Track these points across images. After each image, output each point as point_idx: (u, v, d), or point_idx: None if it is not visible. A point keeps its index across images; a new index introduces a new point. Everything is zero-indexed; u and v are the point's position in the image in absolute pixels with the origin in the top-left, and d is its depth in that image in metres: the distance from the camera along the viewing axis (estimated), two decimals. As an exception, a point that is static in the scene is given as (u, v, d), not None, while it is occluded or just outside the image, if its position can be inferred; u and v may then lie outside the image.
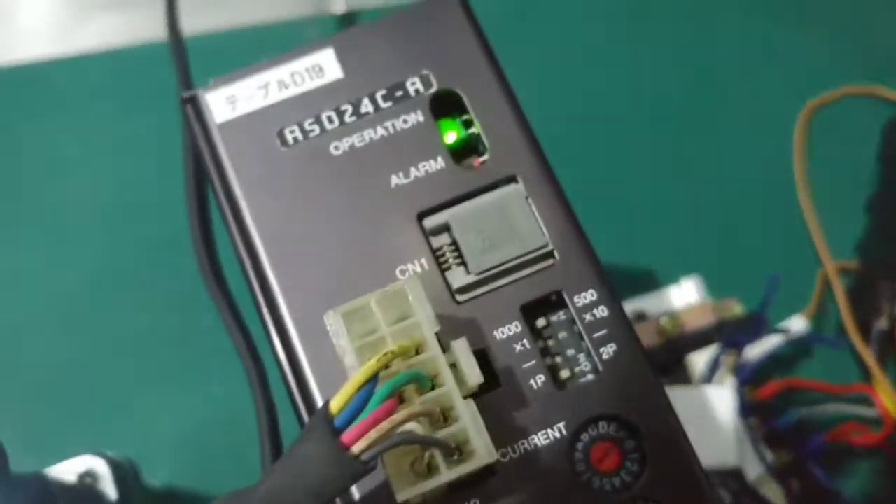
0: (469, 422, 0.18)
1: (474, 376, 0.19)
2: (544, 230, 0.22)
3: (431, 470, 0.18)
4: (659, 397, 0.21)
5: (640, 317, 0.41)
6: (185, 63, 0.29)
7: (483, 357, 0.21)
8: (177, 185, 0.29)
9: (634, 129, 0.50)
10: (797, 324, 0.41)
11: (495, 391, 0.21)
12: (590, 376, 0.22)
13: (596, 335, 0.22)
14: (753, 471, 0.37)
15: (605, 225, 0.46)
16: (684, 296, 0.42)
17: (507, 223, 0.22)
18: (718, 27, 0.53)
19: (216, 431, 0.39)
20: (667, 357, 0.39)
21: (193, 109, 0.24)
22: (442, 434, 0.18)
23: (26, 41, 0.50)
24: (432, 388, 0.19)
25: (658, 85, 0.51)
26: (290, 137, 0.23)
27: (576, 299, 0.22)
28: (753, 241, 0.47)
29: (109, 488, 0.29)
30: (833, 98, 0.50)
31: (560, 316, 0.22)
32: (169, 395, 0.40)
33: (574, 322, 0.22)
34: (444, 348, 0.20)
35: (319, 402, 0.21)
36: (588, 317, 0.22)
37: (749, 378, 0.38)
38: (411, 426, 0.17)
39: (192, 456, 0.37)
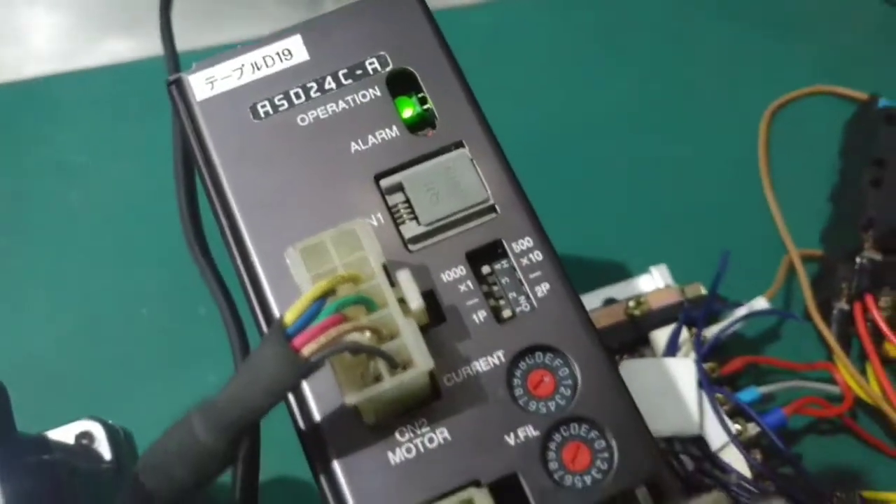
0: (409, 336, 0.21)
1: (416, 300, 0.21)
2: (487, 187, 0.25)
3: (377, 381, 0.21)
4: (587, 329, 0.24)
5: (610, 301, 0.44)
6: (176, 62, 0.32)
7: (431, 297, 0.24)
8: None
9: (607, 131, 0.53)
10: (759, 303, 0.43)
11: (441, 325, 0.24)
12: (526, 311, 0.24)
13: (531, 276, 0.24)
14: (717, 441, 0.39)
15: (578, 220, 0.49)
16: (653, 282, 0.44)
17: (454, 181, 0.25)
18: (688, 32, 0.56)
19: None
20: (632, 333, 0.41)
21: (177, 90, 0.27)
22: (385, 348, 0.21)
23: (37, 61, 0.54)
24: (379, 315, 0.21)
25: (629, 87, 0.54)
26: (261, 112, 0.26)
27: (514, 245, 0.25)
28: (720, 232, 0.49)
29: (105, 449, 0.32)
30: (798, 97, 0.53)
31: (503, 264, 0.25)
32: (165, 381, 0.43)
33: (513, 266, 0.25)
34: (392, 284, 0.22)
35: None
36: (525, 260, 0.24)
37: (709, 352, 0.40)
38: (357, 337, 0.20)
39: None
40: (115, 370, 0.44)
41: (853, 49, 0.55)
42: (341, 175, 0.25)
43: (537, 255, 0.24)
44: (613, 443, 0.23)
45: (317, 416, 0.23)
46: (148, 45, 0.53)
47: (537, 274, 0.24)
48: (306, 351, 0.19)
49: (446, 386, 0.23)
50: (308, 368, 0.19)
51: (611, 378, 0.23)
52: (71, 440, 0.32)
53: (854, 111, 0.52)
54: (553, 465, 0.23)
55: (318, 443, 0.23)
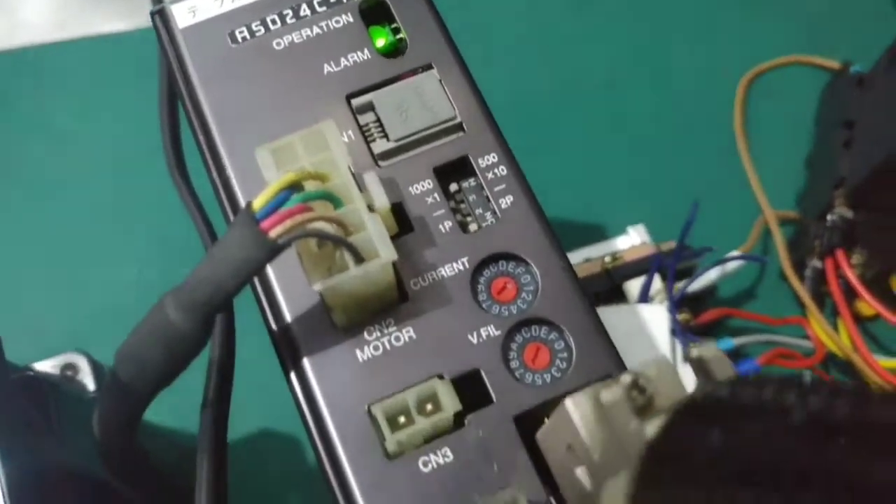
0: (373, 229, 0.22)
1: (380, 197, 0.22)
2: (454, 106, 0.26)
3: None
4: (549, 237, 0.25)
5: (588, 260, 0.45)
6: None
7: (399, 208, 0.25)
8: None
9: (588, 95, 0.54)
10: (731, 255, 0.44)
11: (408, 235, 0.25)
12: (491, 223, 0.25)
13: (496, 189, 0.25)
14: (689, 388, 0.40)
15: (556, 183, 0.50)
16: (630, 241, 0.45)
17: (423, 101, 0.26)
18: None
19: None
20: (607, 284, 0.42)
21: (161, 19, 0.28)
22: (351, 240, 0.22)
23: (28, 30, 0.55)
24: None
25: (608, 52, 0.55)
26: (239, 37, 0.27)
27: (480, 161, 0.26)
28: (697, 195, 0.50)
29: (89, 380, 0.33)
30: (775, 66, 0.54)
31: (469, 183, 0.26)
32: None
33: (479, 183, 0.26)
34: (360, 189, 0.23)
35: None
36: (490, 175, 0.25)
37: (682, 300, 0.41)
38: (323, 226, 0.21)
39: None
40: (103, 317, 0.45)
41: (830, 18, 0.56)
42: (314, 94, 0.26)
43: (502, 170, 0.25)
44: (572, 343, 0.24)
45: (288, 318, 0.24)
46: (138, 19, 0.54)
47: (501, 187, 0.25)
48: (273, 233, 0.20)
49: (413, 289, 0.24)
50: (275, 249, 0.20)
51: (570, 283, 0.24)
52: (56, 372, 0.33)
53: (830, 80, 0.53)
54: (514, 364, 0.24)
55: (289, 343, 0.24)
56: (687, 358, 0.39)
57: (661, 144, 0.52)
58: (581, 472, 0.19)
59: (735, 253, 0.44)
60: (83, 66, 0.54)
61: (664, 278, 0.42)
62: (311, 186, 0.22)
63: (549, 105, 0.54)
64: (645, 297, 0.41)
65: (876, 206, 0.44)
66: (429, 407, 0.22)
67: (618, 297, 0.43)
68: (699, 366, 0.19)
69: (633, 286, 0.42)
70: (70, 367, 0.33)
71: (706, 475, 0.14)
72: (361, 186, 0.23)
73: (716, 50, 0.55)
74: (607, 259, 0.43)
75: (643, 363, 0.18)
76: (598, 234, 0.49)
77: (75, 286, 0.46)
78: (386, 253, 0.21)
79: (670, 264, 0.41)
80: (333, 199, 0.22)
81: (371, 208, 0.23)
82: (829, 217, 0.45)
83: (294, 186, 0.21)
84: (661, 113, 0.53)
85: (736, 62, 0.54)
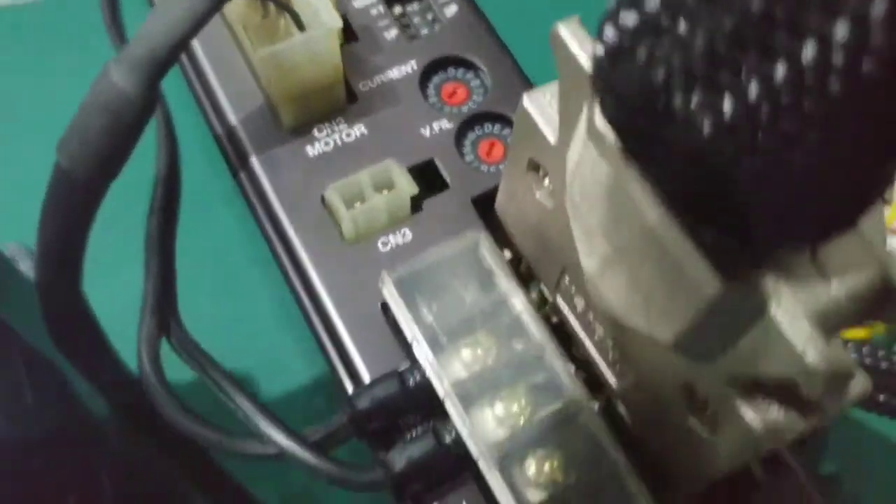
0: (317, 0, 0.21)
1: (332, 19, 0.22)
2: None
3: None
4: (493, 38, 0.25)
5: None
6: None
7: (344, 20, 0.25)
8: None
9: None
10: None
11: (353, 43, 0.25)
12: (436, 29, 0.25)
13: (440, 1, 0.25)
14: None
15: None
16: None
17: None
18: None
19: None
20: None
21: None
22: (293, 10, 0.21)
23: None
24: None
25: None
26: None
27: (421, -26, 0.26)
28: None
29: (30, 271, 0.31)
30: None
31: (413, 7, 0.26)
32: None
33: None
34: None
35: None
36: (432, -13, 0.25)
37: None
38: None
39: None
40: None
41: None
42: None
43: (444, -18, 0.26)
44: (526, 135, 0.23)
45: (233, 121, 0.23)
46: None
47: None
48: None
49: (361, 91, 0.24)
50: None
51: (519, 78, 0.24)
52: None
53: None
54: (469, 158, 0.23)
55: (236, 145, 0.23)
56: None
57: None
58: (542, 194, 0.18)
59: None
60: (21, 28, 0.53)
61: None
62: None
63: None
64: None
65: None
66: (385, 191, 0.22)
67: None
68: None
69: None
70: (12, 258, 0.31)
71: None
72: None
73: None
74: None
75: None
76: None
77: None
78: (329, 18, 0.21)
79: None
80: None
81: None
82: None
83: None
84: None
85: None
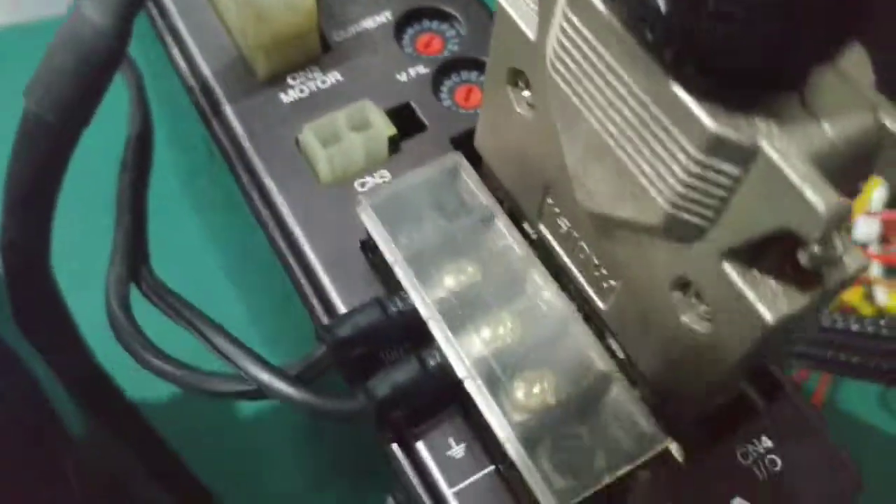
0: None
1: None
2: None
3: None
4: (470, -10, 0.25)
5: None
6: None
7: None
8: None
9: None
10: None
11: (327, -5, 0.24)
12: (408, -16, 0.25)
13: (413, -47, 0.25)
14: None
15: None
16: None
17: None
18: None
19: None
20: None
21: None
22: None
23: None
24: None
25: None
26: None
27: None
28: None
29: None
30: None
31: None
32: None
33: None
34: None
35: None
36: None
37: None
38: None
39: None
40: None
41: None
42: None
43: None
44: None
45: (206, 73, 0.23)
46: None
47: (418, -49, 0.25)
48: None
49: (335, 41, 0.23)
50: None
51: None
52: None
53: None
54: (447, 103, 0.23)
55: (209, 95, 0.23)
56: None
57: None
58: (522, 107, 0.18)
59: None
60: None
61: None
62: None
63: None
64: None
65: None
66: (362, 131, 0.21)
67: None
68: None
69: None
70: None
71: None
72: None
73: None
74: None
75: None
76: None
77: None
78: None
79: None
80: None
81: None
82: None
83: None
84: None
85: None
